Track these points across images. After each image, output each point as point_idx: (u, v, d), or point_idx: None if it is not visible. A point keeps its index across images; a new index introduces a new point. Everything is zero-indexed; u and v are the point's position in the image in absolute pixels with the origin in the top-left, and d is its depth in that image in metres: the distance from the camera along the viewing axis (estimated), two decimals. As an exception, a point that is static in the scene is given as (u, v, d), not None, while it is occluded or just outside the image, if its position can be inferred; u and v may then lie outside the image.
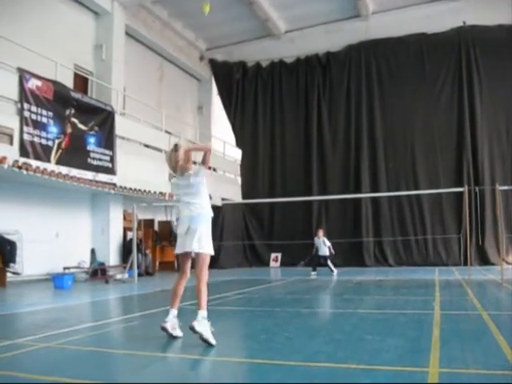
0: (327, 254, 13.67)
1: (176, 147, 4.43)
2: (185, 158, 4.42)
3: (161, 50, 18.59)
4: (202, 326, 3.97)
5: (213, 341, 3.96)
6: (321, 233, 13.89)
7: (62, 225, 12.71)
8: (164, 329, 4.28)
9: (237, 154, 21.06)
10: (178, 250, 4.42)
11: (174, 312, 4.35)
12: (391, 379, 2.97)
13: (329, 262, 13.75)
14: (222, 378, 3.23)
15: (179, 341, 4.24)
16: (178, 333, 4.33)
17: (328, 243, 13.72)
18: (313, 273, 13.41)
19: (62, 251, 12.36)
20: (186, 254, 4.43)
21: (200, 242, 4.27)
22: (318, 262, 13.84)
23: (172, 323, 4.32)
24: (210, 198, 5.24)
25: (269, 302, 7.79)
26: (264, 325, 5.23)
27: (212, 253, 4.40)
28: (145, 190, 13.85)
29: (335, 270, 13.62)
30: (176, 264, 16.13)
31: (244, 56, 21.17)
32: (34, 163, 10.56)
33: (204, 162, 4.48)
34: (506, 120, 17.49)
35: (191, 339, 4.07)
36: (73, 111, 11.95)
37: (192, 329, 3.95)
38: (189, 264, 4.47)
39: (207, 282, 4.26)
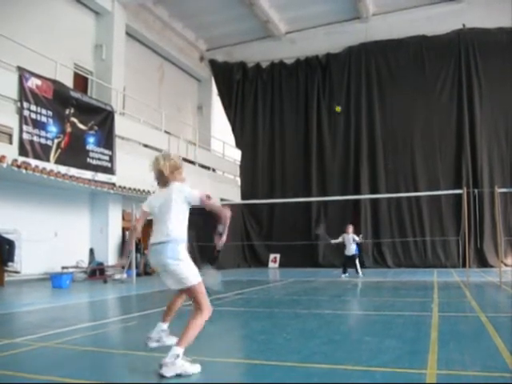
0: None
1: None
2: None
3: (161, 50, 18.59)
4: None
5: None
6: None
7: (60, 224, 12.70)
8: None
9: (236, 154, 21.06)
10: None
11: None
12: (389, 380, 2.97)
13: None
14: (221, 379, 3.23)
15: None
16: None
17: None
18: None
19: (60, 250, 12.36)
20: None
21: None
22: None
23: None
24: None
25: (267, 302, 7.79)
26: (262, 325, 5.22)
27: None
28: (144, 190, 13.84)
29: None
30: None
31: (244, 57, 21.18)
32: (33, 162, 10.55)
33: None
34: (506, 122, 17.49)
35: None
36: (72, 111, 11.94)
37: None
38: None
39: None
